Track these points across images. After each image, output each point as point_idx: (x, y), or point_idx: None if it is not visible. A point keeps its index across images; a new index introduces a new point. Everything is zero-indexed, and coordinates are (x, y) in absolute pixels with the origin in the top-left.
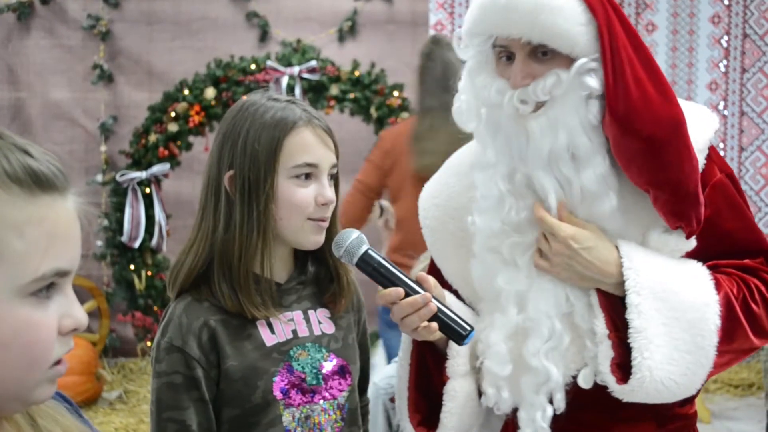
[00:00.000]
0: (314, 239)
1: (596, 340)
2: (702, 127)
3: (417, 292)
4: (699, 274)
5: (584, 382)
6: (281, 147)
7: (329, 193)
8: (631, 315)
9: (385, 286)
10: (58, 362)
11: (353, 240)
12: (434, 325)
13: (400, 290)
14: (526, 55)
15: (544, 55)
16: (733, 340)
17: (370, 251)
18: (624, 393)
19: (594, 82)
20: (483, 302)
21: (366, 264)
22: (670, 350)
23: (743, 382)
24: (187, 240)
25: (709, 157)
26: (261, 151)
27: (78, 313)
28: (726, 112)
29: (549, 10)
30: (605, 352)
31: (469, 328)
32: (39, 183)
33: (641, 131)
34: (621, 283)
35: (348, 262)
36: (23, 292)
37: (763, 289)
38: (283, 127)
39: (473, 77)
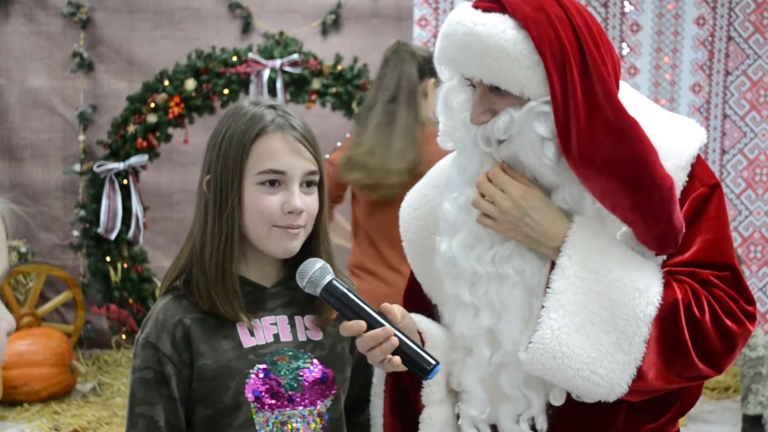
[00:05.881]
0: (284, 247)
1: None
2: (685, 142)
3: (381, 325)
4: (648, 267)
5: (555, 399)
6: (248, 153)
7: (297, 201)
8: (555, 276)
9: (349, 318)
10: None
11: (316, 270)
12: (397, 359)
13: (362, 323)
14: (486, 90)
15: (500, 91)
16: (670, 344)
17: (334, 281)
18: (528, 361)
19: (542, 128)
20: (454, 340)
21: (329, 295)
22: (582, 320)
23: (719, 385)
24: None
25: (691, 174)
26: (230, 156)
27: None
28: (709, 115)
29: (495, 52)
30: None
31: (433, 362)
32: None
33: (600, 175)
34: (560, 248)
35: (312, 293)
36: None
37: (711, 300)
38: (250, 133)
39: (450, 99)
